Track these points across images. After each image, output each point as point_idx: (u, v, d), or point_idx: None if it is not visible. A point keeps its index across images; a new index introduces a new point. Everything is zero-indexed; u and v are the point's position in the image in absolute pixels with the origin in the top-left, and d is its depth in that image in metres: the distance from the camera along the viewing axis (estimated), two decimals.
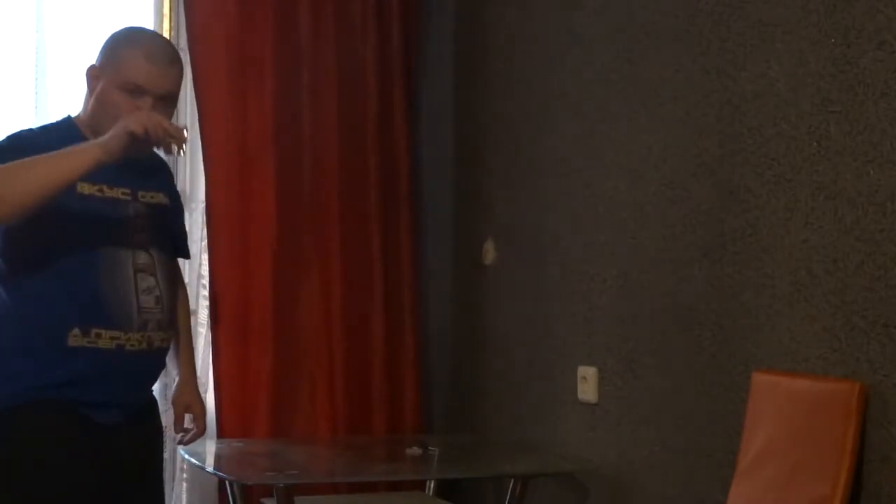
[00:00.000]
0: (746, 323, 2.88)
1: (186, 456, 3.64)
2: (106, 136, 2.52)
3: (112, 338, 2.61)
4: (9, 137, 2.67)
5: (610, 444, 3.40)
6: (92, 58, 2.78)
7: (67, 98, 3.87)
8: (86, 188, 2.63)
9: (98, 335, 2.60)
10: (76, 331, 2.58)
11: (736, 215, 2.93)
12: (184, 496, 3.99)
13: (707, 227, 3.03)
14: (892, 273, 2.48)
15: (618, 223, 3.39)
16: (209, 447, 3.85)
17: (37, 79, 3.90)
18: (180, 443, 3.00)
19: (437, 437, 4.11)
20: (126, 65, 2.69)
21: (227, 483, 3.60)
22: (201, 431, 2.97)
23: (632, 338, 3.33)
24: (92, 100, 2.71)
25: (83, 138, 2.63)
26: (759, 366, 2.82)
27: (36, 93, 3.88)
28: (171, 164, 4.05)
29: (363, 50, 4.21)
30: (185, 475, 4.00)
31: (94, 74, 2.71)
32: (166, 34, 4.04)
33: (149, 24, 4.02)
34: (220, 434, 3.96)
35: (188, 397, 2.97)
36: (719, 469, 2.92)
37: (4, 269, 2.60)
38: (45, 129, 2.74)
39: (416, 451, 3.61)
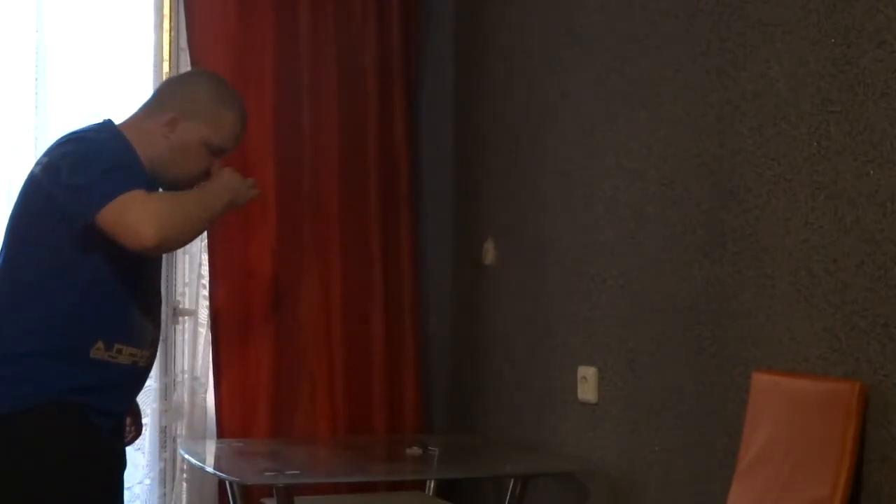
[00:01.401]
0: (746, 323, 2.88)
1: (186, 456, 3.64)
2: (227, 188, 2.74)
3: (130, 354, 2.68)
4: (105, 150, 2.63)
5: (610, 444, 3.40)
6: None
7: (67, 98, 3.88)
8: None
9: (119, 350, 2.65)
10: (100, 344, 2.62)
11: (736, 215, 2.93)
12: (184, 496, 3.98)
13: (707, 227, 3.03)
14: (892, 273, 2.48)
15: (618, 223, 3.39)
16: (209, 447, 3.86)
17: (37, 79, 3.89)
18: None
19: (437, 437, 4.12)
20: (225, 128, 2.78)
21: (227, 483, 3.60)
22: (139, 432, 3.01)
23: (632, 338, 3.33)
24: (167, 142, 2.73)
25: (142, 166, 2.69)
26: (759, 366, 2.82)
27: (36, 93, 3.88)
28: None
29: (363, 50, 4.21)
30: (185, 475, 4.00)
31: (174, 127, 2.73)
32: (166, 34, 4.04)
33: (149, 24, 4.02)
34: (220, 434, 3.96)
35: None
36: (719, 469, 2.91)
37: (35, 281, 2.62)
38: (102, 141, 2.69)
39: (416, 451, 3.61)
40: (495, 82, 4.09)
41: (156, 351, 2.81)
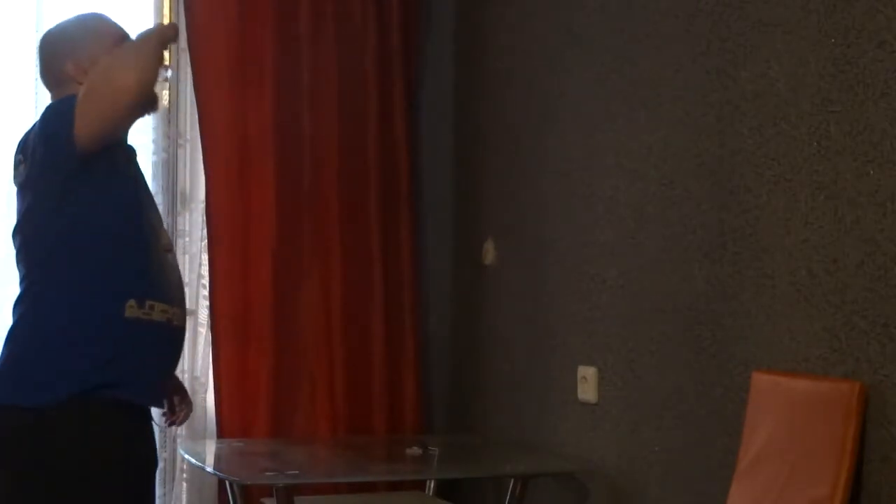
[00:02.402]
0: (746, 323, 2.88)
1: (186, 456, 3.64)
2: (152, 31, 2.72)
3: (163, 311, 2.68)
4: (52, 109, 2.69)
5: (610, 444, 3.40)
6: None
7: None
8: (130, 170, 2.74)
9: (152, 307, 2.65)
10: (132, 302, 2.62)
11: (736, 215, 2.93)
12: (184, 496, 3.99)
13: (707, 227, 3.03)
14: (892, 273, 2.48)
15: (618, 223, 3.39)
16: (209, 447, 3.86)
17: (37, 79, 3.88)
18: (172, 424, 3.02)
19: (437, 437, 4.12)
20: (104, 30, 2.79)
21: (227, 483, 3.61)
22: (190, 408, 3.03)
23: (632, 338, 3.33)
24: None
25: None
26: (759, 366, 2.82)
27: (36, 93, 3.88)
28: (171, 163, 4.11)
29: (363, 50, 4.21)
30: (185, 475, 4.00)
31: (84, 67, 2.73)
32: None
33: (149, 25, 4.02)
34: (220, 434, 3.96)
35: (174, 381, 3.01)
36: (719, 469, 2.92)
37: (56, 271, 2.62)
38: (48, 111, 2.74)
39: (416, 451, 3.62)
40: (495, 82, 4.09)
41: (185, 312, 2.83)
